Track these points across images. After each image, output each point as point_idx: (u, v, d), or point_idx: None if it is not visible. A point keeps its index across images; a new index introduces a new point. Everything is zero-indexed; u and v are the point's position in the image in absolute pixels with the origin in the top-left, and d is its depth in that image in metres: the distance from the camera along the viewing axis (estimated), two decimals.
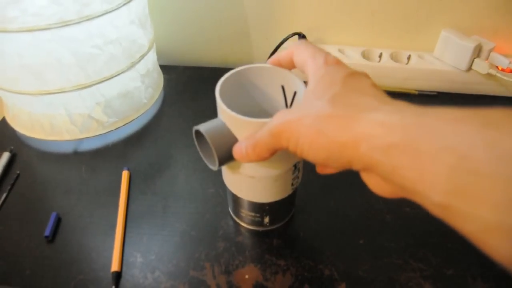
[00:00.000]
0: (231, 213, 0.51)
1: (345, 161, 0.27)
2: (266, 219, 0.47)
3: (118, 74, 0.58)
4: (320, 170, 0.37)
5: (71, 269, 0.46)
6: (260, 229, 0.49)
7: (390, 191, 0.28)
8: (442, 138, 0.22)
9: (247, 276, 0.44)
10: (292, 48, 0.36)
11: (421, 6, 0.71)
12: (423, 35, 0.74)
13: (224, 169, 0.44)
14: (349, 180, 0.48)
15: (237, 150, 0.35)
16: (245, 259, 0.46)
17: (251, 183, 0.41)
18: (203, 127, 0.36)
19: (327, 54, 0.33)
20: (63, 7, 0.49)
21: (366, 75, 0.32)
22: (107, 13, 0.53)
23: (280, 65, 0.38)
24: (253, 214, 0.47)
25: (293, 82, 0.39)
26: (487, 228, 0.20)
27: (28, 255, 0.47)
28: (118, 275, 0.45)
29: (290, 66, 0.37)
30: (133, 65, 0.59)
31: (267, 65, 0.39)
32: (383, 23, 0.73)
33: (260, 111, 0.43)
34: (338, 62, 0.33)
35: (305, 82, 0.35)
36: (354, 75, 0.31)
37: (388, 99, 0.28)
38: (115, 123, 0.62)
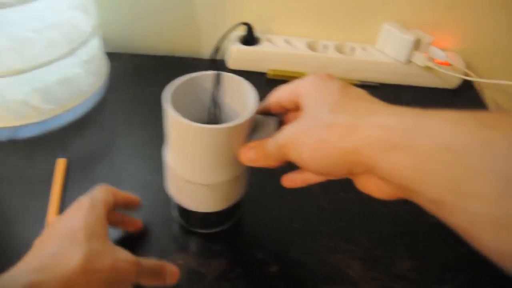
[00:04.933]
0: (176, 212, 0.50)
1: (347, 166, 0.29)
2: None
3: (58, 60, 0.56)
4: (292, 183, 0.40)
5: (0, 260, 0.45)
6: (205, 231, 0.48)
7: (388, 192, 0.30)
8: (439, 137, 0.23)
9: (180, 262, 0.44)
10: (275, 92, 0.37)
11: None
12: (366, 28, 0.76)
13: (173, 178, 0.42)
14: (286, 168, 0.49)
15: (246, 155, 0.36)
16: (179, 244, 0.46)
17: (204, 193, 0.40)
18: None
19: (314, 74, 0.35)
20: None
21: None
22: None
23: (269, 111, 0.38)
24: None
25: (246, 90, 0.38)
26: (478, 222, 0.22)
27: None
28: None
29: (280, 109, 0.37)
30: (74, 51, 0.58)
31: (222, 72, 0.39)
32: (329, 15, 0.75)
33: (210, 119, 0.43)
34: (330, 75, 0.34)
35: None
36: (348, 85, 0.32)
37: (386, 104, 0.29)
38: (53, 110, 0.60)
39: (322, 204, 0.52)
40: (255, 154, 0.35)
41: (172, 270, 0.39)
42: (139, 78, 0.71)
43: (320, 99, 0.31)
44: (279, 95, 0.37)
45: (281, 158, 0.33)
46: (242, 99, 0.39)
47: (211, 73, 0.39)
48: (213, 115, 0.41)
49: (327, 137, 0.29)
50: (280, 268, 0.45)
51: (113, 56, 0.74)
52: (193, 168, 0.38)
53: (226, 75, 0.39)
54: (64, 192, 0.52)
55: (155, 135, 0.60)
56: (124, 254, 0.35)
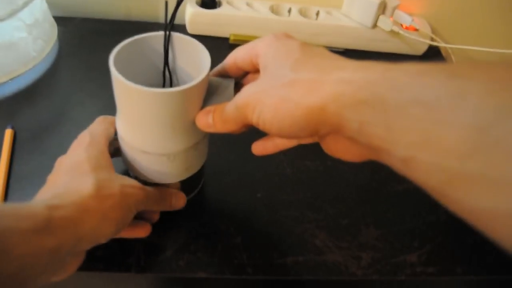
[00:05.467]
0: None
1: (312, 126, 0.27)
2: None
3: None
4: (263, 149, 0.38)
5: None
6: None
7: (356, 153, 0.28)
8: (408, 91, 0.22)
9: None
10: (232, 53, 0.35)
11: None
12: None
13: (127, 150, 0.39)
14: (249, 135, 0.47)
15: (203, 120, 0.34)
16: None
17: (164, 162, 0.38)
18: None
19: (273, 33, 0.33)
20: None
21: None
22: None
23: (226, 74, 0.37)
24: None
25: (199, 52, 0.36)
26: (450, 179, 0.20)
27: None
28: None
29: (237, 71, 0.36)
30: (14, 12, 0.53)
31: (173, 33, 0.36)
32: None
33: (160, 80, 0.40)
34: (288, 34, 0.32)
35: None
36: (308, 44, 0.30)
37: (349, 59, 0.28)
38: None
39: (286, 172, 0.50)
40: (212, 119, 0.33)
41: (178, 194, 0.41)
42: (92, 44, 0.67)
43: (280, 58, 0.30)
44: (235, 56, 0.35)
45: (241, 121, 0.31)
46: (196, 62, 0.36)
47: (160, 33, 0.36)
48: (168, 80, 0.38)
49: (289, 95, 0.27)
50: (243, 239, 0.43)
51: (62, 21, 0.69)
52: (146, 137, 0.35)
53: (177, 36, 0.36)
54: (11, 164, 0.48)
55: (109, 105, 0.56)
56: (130, 181, 0.36)
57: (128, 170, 0.41)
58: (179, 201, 0.41)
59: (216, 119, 0.33)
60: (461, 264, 0.44)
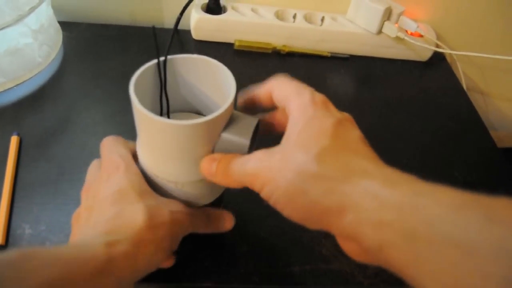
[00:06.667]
0: None
1: (323, 226, 0.26)
2: None
3: (3, 28, 0.52)
4: None
5: None
6: None
7: (368, 259, 0.27)
8: (442, 227, 0.20)
9: None
10: (272, 83, 0.32)
11: None
12: None
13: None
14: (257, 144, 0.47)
15: (207, 167, 0.31)
16: None
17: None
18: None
19: (313, 90, 0.30)
20: None
21: (353, 122, 0.29)
22: None
23: (256, 102, 0.34)
24: None
25: (224, 76, 0.33)
26: None
27: None
28: (2, 249, 0.41)
29: (268, 103, 0.33)
30: (21, 18, 0.53)
31: (194, 55, 0.34)
32: None
33: (185, 104, 0.38)
34: (326, 103, 0.30)
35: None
36: (343, 123, 0.28)
37: (379, 162, 0.26)
38: (3, 84, 0.56)
39: None
40: (215, 169, 0.31)
41: (227, 216, 0.39)
42: (97, 49, 0.67)
43: (308, 137, 0.27)
44: (274, 90, 0.32)
45: (244, 184, 0.29)
46: (220, 87, 0.34)
47: (178, 56, 0.34)
48: (165, 106, 0.36)
49: (308, 189, 0.25)
50: (249, 248, 0.43)
51: (68, 26, 0.69)
52: (159, 163, 0.34)
53: (201, 59, 0.34)
54: (17, 171, 0.48)
55: (115, 110, 0.56)
56: (176, 205, 0.35)
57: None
58: (228, 222, 0.39)
59: (219, 171, 0.31)
60: None
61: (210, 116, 0.29)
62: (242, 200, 0.47)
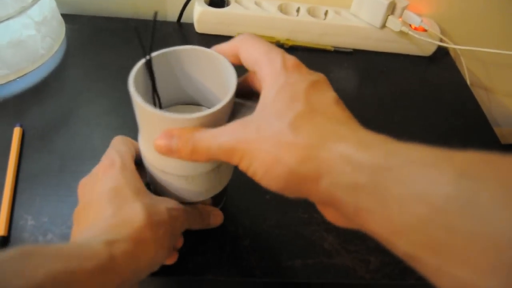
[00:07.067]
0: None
1: (303, 194, 0.26)
2: None
3: (7, 19, 0.51)
4: None
5: None
6: None
7: (348, 223, 0.27)
8: (413, 184, 0.20)
9: None
10: (238, 42, 0.32)
11: None
12: None
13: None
14: None
15: (164, 143, 0.29)
16: None
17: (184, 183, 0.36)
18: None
19: (283, 54, 0.29)
20: None
21: (327, 84, 0.29)
22: None
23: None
24: None
25: (224, 67, 0.33)
26: (462, 286, 0.19)
27: None
28: (4, 240, 0.41)
29: (234, 61, 0.32)
30: (24, 10, 0.53)
31: (193, 47, 0.33)
32: None
33: (185, 96, 0.38)
34: (298, 66, 0.29)
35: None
36: (316, 85, 0.28)
37: (353, 124, 0.26)
38: (7, 75, 0.56)
39: None
40: (177, 145, 0.29)
41: (216, 212, 0.40)
42: (100, 42, 0.66)
43: (281, 105, 0.27)
44: (247, 53, 0.31)
45: (217, 158, 0.28)
46: (220, 78, 0.34)
47: (179, 48, 0.33)
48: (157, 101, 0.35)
49: (284, 157, 0.25)
50: (252, 241, 0.43)
51: (71, 18, 0.69)
52: (165, 158, 0.33)
53: (200, 50, 0.34)
54: (20, 162, 0.48)
55: (118, 103, 0.56)
56: (171, 202, 0.35)
57: (151, 187, 0.39)
58: (217, 218, 0.40)
59: (182, 147, 0.29)
60: None
61: (215, 107, 0.29)
62: (244, 194, 0.47)
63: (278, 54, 0.29)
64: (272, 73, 0.28)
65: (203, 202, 0.40)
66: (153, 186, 0.39)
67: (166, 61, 0.34)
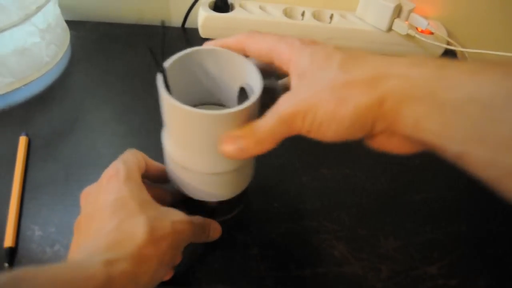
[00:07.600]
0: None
1: (369, 125, 0.27)
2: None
3: (10, 27, 0.51)
4: None
5: None
6: None
7: (407, 148, 0.28)
8: (464, 90, 0.23)
9: None
10: (243, 37, 0.33)
11: None
12: None
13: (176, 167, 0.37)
14: None
15: (233, 148, 0.29)
16: None
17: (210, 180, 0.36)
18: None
19: (296, 37, 0.31)
20: None
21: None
22: None
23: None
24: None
25: (248, 70, 0.33)
26: (507, 173, 0.22)
27: None
28: (12, 251, 0.41)
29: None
30: (28, 17, 0.53)
31: (220, 48, 0.34)
32: None
33: (207, 97, 0.38)
34: (315, 41, 0.30)
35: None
36: (340, 46, 0.29)
37: (396, 57, 0.27)
38: (11, 83, 0.55)
39: (302, 181, 0.49)
40: (244, 143, 0.29)
41: (215, 225, 0.39)
42: (105, 48, 0.66)
43: (320, 61, 0.28)
44: (255, 44, 0.32)
45: (283, 135, 0.28)
46: (240, 77, 0.34)
47: (205, 48, 0.34)
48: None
49: (346, 96, 0.26)
50: (261, 250, 0.43)
51: (75, 25, 0.68)
52: (192, 155, 0.33)
53: (223, 52, 0.34)
54: (26, 171, 0.48)
55: (125, 110, 0.56)
56: (178, 215, 0.34)
57: (171, 181, 0.39)
58: (215, 232, 0.39)
59: (248, 143, 0.29)
60: (484, 276, 0.43)
61: (254, 96, 0.30)
62: (253, 201, 0.47)
63: (292, 37, 0.31)
64: (295, 51, 0.30)
65: (220, 203, 0.39)
66: (174, 183, 0.39)
67: (184, 65, 0.34)
